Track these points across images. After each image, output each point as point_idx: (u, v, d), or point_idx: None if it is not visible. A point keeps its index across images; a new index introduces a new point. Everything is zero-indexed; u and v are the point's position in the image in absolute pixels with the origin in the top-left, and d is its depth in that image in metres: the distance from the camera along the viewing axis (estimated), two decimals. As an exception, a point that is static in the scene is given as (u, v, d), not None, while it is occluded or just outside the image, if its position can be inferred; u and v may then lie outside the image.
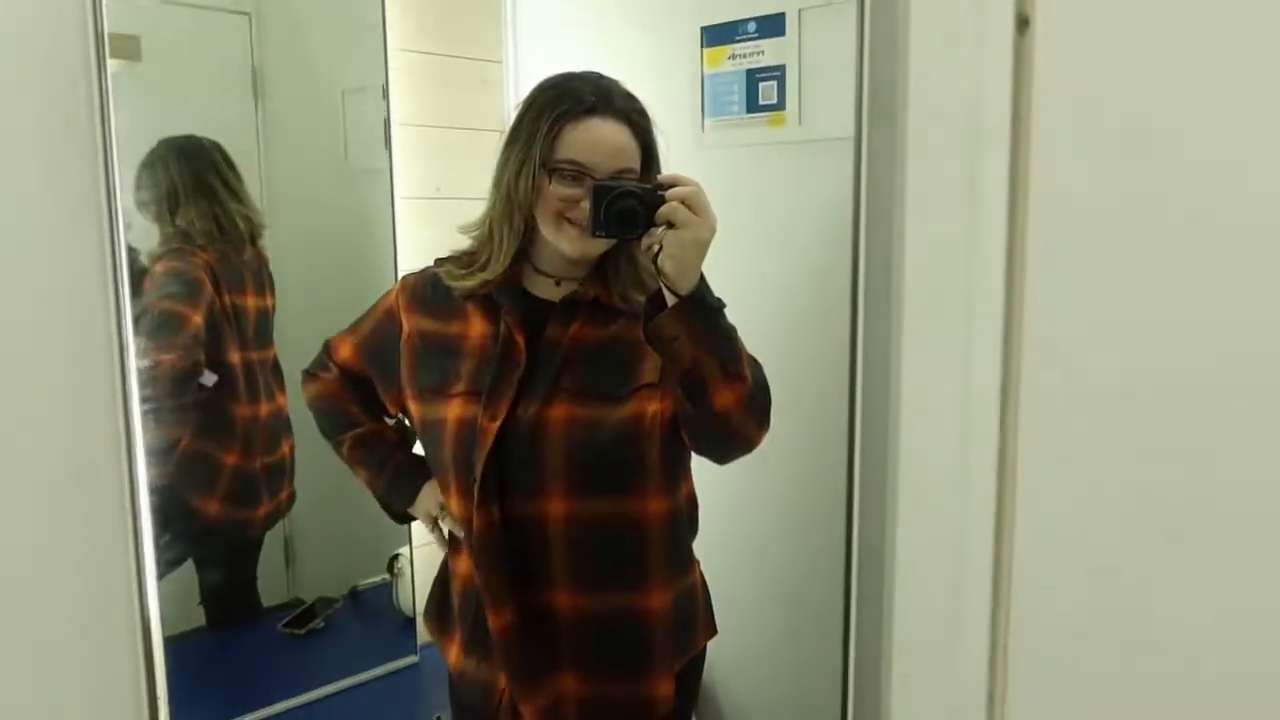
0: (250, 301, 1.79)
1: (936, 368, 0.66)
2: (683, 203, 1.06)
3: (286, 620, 1.90)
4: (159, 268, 1.67)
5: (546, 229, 1.17)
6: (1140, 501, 0.59)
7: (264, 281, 1.82)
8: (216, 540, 1.81)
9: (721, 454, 1.20)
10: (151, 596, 0.76)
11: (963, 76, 0.62)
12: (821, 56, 1.56)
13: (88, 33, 0.64)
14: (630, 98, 1.19)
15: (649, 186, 1.09)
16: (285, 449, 1.86)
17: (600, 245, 1.17)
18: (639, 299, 1.17)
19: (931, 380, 0.66)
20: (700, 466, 1.24)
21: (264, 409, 1.82)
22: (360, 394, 1.34)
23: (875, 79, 0.71)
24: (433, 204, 1.99)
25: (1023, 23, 0.53)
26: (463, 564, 1.23)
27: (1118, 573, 0.60)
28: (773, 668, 1.74)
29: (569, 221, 1.15)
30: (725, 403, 1.09)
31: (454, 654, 1.28)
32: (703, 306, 1.08)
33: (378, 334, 1.30)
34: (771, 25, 1.61)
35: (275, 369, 1.84)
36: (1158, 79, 0.55)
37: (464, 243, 1.26)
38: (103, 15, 0.65)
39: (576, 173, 1.14)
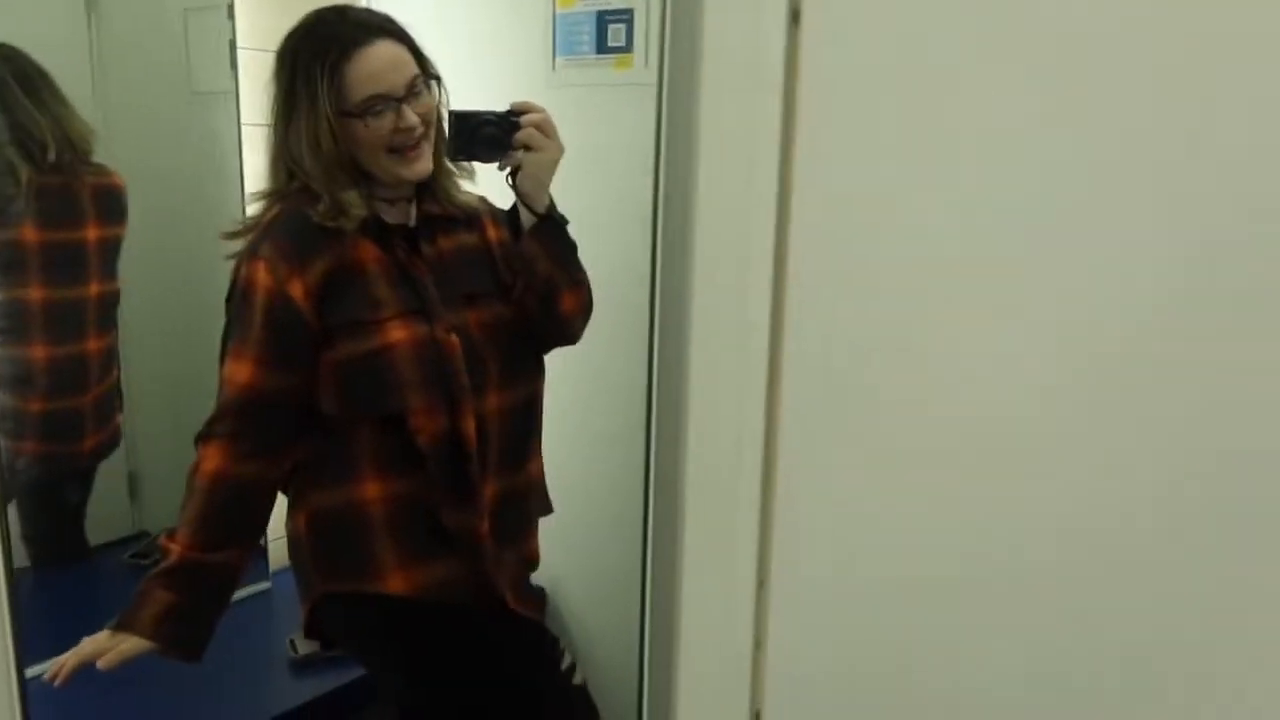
0: (44, 236, 1.65)
1: (720, 292, 0.74)
2: (536, 129, 1.14)
3: (134, 551, 1.88)
4: None
5: (379, 167, 1.19)
6: (898, 428, 0.70)
7: (80, 210, 1.68)
8: (29, 478, 1.76)
9: (547, 348, 1.34)
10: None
11: (748, 38, 0.70)
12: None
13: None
14: (378, 14, 1.22)
15: (503, 113, 1.15)
16: (109, 384, 1.81)
17: (430, 163, 1.20)
18: (463, 196, 1.28)
19: (716, 302, 0.75)
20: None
21: (84, 347, 1.74)
22: (275, 429, 1.22)
23: (676, 29, 0.78)
24: (281, 132, 1.94)
25: (794, 16, 0.61)
26: (373, 488, 1.20)
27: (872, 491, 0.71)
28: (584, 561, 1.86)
29: (396, 150, 1.17)
30: (569, 307, 1.25)
31: (399, 579, 1.20)
32: (557, 226, 1.21)
33: (275, 326, 1.16)
34: (620, -32, 1.66)
35: (97, 305, 1.74)
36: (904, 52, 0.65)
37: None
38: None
39: (378, 103, 1.15)
